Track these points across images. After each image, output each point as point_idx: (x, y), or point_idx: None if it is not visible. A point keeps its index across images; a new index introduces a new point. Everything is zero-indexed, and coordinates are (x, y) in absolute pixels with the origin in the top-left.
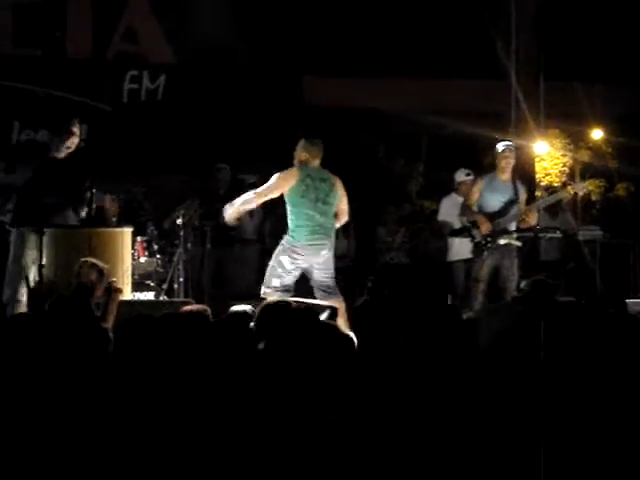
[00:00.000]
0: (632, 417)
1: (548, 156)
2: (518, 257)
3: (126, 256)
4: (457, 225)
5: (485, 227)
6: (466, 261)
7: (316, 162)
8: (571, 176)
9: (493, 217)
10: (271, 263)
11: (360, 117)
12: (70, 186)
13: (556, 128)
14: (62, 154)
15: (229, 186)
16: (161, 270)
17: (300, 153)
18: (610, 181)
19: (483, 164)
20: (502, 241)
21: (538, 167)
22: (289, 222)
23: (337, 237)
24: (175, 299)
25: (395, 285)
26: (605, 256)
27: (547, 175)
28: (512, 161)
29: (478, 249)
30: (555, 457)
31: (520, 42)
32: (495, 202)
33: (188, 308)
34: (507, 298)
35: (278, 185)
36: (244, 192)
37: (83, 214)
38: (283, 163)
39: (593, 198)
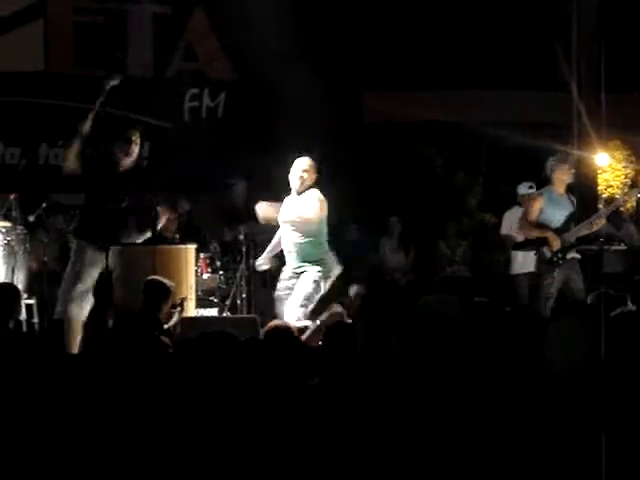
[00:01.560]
0: None
1: (609, 168)
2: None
3: (190, 273)
4: (520, 238)
5: (556, 243)
6: (529, 274)
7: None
8: (633, 188)
9: (558, 232)
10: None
11: (418, 131)
12: (134, 202)
13: (617, 139)
14: (125, 164)
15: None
16: (224, 286)
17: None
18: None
19: (543, 176)
20: (569, 255)
21: (600, 179)
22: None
23: (396, 252)
24: (239, 315)
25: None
26: None
27: (609, 187)
28: (572, 174)
29: (548, 266)
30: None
31: (581, 53)
32: (558, 217)
33: (272, 325)
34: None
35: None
36: None
37: (148, 232)
38: (343, 179)
39: None
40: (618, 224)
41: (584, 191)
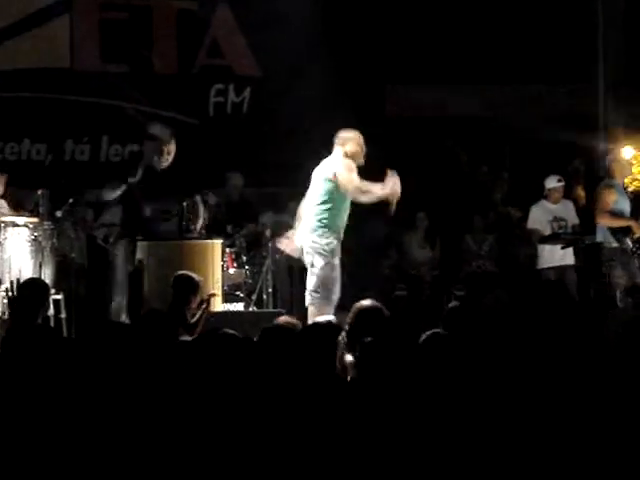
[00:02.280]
0: None
1: (636, 161)
2: None
3: (216, 268)
4: (547, 232)
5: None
6: (556, 268)
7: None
8: None
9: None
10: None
11: (442, 125)
12: (167, 198)
13: None
14: (162, 165)
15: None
16: (250, 281)
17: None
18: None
19: (568, 169)
20: None
21: None
22: None
23: (422, 247)
24: (265, 310)
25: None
26: None
27: (635, 180)
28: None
29: (632, 255)
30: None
31: (608, 44)
32: (627, 209)
33: (281, 321)
34: None
35: None
36: None
37: (194, 226)
38: (367, 173)
39: None
40: None
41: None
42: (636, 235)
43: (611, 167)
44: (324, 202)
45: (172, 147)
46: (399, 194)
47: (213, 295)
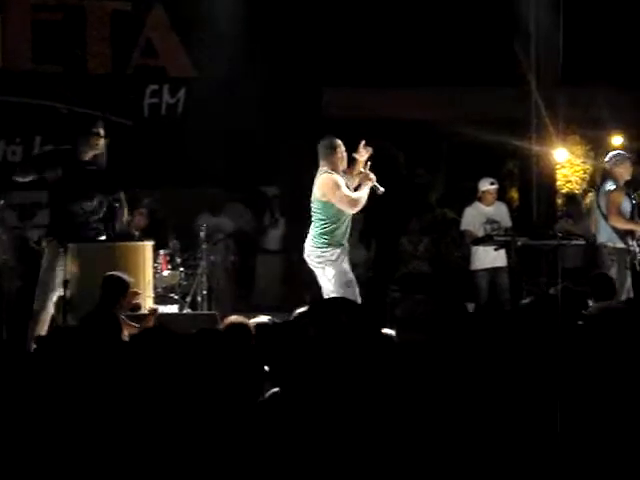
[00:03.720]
0: None
1: (568, 163)
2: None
3: (147, 270)
4: (480, 234)
5: None
6: (489, 270)
7: (321, 163)
8: (591, 183)
9: None
10: None
11: (379, 127)
12: (97, 198)
13: (576, 135)
14: (88, 155)
15: None
16: (184, 283)
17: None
18: (632, 187)
19: (502, 171)
20: None
21: (558, 174)
22: None
23: (357, 248)
24: (199, 312)
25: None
26: None
27: (568, 182)
28: (632, 170)
29: (631, 259)
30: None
31: (540, 48)
32: (630, 211)
33: (230, 320)
34: None
35: None
36: (267, 205)
37: (118, 226)
38: (303, 175)
39: None
40: (577, 219)
41: (543, 186)
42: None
43: (613, 170)
44: (321, 219)
45: (102, 142)
46: (372, 176)
47: (136, 294)
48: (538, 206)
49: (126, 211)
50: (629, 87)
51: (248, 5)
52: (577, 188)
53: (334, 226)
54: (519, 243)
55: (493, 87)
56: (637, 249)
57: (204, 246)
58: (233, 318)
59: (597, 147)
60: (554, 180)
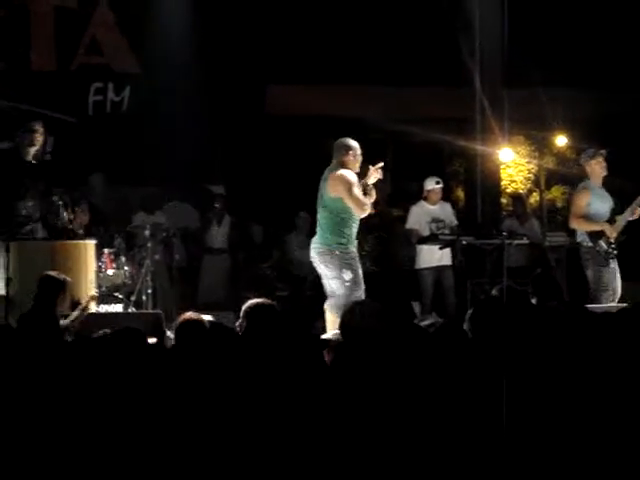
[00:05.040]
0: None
1: (513, 163)
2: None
3: (90, 268)
4: (426, 233)
5: (614, 234)
6: (434, 268)
7: (333, 162)
8: (536, 183)
9: (609, 224)
10: None
11: (324, 125)
12: (39, 196)
13: (521, 135)
14: (29, 155)
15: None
16: (129, 282)
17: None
18: (575, 187)
19: (448, 171)
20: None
21: (503, 174)
22: None
23: (303, 247)
24: (144, 311)
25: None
26: (571, 262)
27: (512, 182)
28: (605, 166)
29: (606, 258)
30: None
31: (484, 48)
32: (605, 209)
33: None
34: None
35: None
36: (214, 203)
37: (59, 223)
38: (247, 172)
39: (559, 204)
40: (522, 219)
41: (488, 186)
42: (610, 238)
43: (586, 168)
44: (340, 216)
45: (40, 138)
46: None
47: (93, 298)
48: (483, 206)
49: (69, 209)
50: (573, 87)
51: (193, 3)
52: (522, 188)
53: (348, 222)
54: (464, 242)
55: (439, 87)
56: (605, 247)
57: (149, 244)
58: (188, 315)
59: (541, 147)
60: (499, 180)
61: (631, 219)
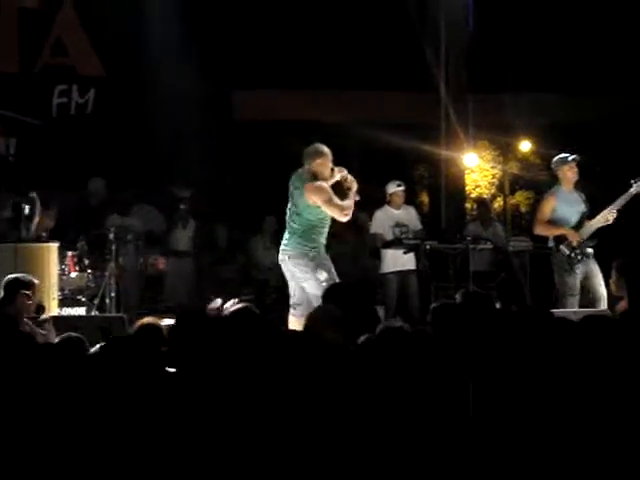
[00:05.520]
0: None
1: (478, 168)
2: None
3: (52, 271)
4: (389, 237)
5: (576, 239)
6: (399, 273)
7: (304, 168)
8: (500, 188)
9: (575, 229)
10: None
11: (289, 130)
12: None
13: (485, 140)
14: None
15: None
16: (92, 285)
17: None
18: (539, 192)
19: (413, 176)
20: (585, 250)
21: (468, 179)
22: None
23: (269, 250)
24: (107, 314)
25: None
26: (534, 267)
27: (477, 187)
28: (577, 172)
29: (569, 263)
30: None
31: (449, 54)
32: (572, 213)
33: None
34: (601, 306)
35: None
36: (179, 206)
37: (30, 227)
38: (214, 177)
39: (522, 209)
40: (486, 223)
41: (452, 190)
42: (573, 243)
43: (557, 173)
44: (309, 221)
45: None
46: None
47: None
48: (447, 210)
49: (37, 212)
50: (537, 92)
51: (159, 7)
52: (486, 192)
53: (321, 228)
54: (428, 246)
55: (404, 92)
56: (566, 252)
57: (113, 247)
58: (145, 320)
59: (506, 152)
60: (463, 185)
61: (602, 225)
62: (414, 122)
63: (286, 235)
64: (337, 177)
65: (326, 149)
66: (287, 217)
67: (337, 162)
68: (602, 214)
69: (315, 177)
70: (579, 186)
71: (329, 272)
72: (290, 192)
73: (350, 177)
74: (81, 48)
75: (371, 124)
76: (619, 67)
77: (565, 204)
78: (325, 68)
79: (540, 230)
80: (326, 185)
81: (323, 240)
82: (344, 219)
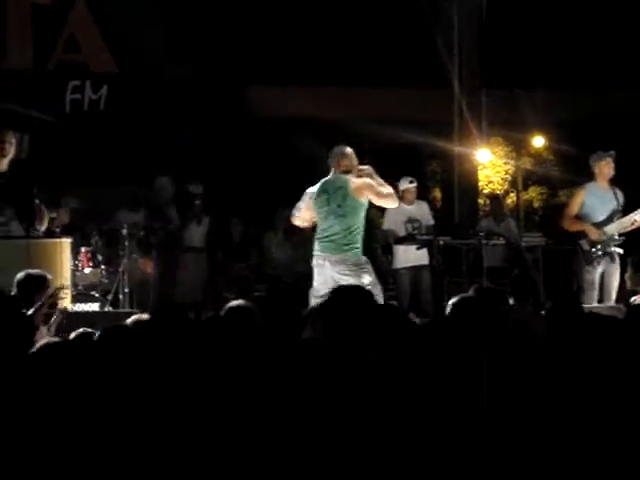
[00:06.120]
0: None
1: (490, 164)
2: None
3: (65, 267)
4: (402, 233)
5: (596, 236)
6: (411, 268)
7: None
8: (513, 184)
9: (600, 225)
10: None
11: (303, 125)
12: (16, 199)
13: (498, 136)
14: (2, 166)
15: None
16: (106, 281)
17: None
18: (552, 188)
19: (426, 171)
20: (609, 248)
21: (481, 175)
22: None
23: (282, 246)
24: (120, 310)
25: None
26: (548, 262)
27: (490, 183)
28: (613, 167)
29: (588, 258)
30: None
31: (463, 50)
32: (601, 210)
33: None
34: (609, 302)
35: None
36: (191, 202)
37: (41, 227)
38: (226, 172)
39: (535, 205)
40: (499, 219)
41: (465, 186)
42: (593, 240)
43: (594, 170)
44: (353, 224)
45: (12, 149)
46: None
47: (61, 289)
48: (460, 206)
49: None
50: (551, 89)
51: (172, 2)
52: (499, 188)
53: (361, 231)
54: (441, 242)
55: (417, 88)
56: (587, 248)
57: (126, 243)
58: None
59: (519, 148)
60: (476, 180)
61: (626, 230)
62: (427, 118)
63: (322, 240)
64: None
65: (348, 149)
66: (322, 223)
67: None
68: (630, 216)
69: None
70: (616, 183)
71: (372, 275)
72: (325, 199)
73: (369, 169)
74: (93, 45)
75: (384, 121)
76: (633, 63)
77: (596, 199)
78: (340, 65)
79: (566, 225)
80: (365, 179)
81: (361, 241)
82: (396, 204)
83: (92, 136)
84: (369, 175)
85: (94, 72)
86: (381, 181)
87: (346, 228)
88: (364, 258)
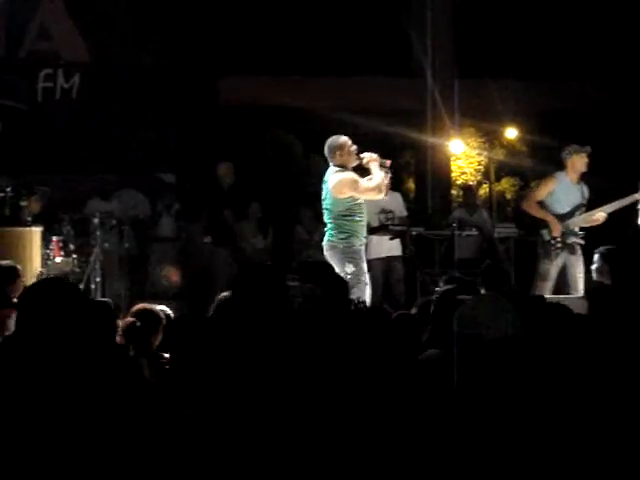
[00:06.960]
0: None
1: (464, 155)
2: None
3: (35, 256)
4: (375, 223)
5: (557, 228)
6: (384, 259)
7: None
8: (486, 175)
9: (563, 218)
10: None
11: (276, 115)
12: None
13: (471, 127)
14: None
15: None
16: (77, 270)
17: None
18: (524, 179)
19: (399, 162)
20: (569, 241)
21: (454, 166)
22: None
23: (255, 236)
24: (92, 299)
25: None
26: (519, 253)
27: (463, 174)
28: (587, 164)
29: (546, 249)
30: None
31: (435, 40)
32: (565, 203)
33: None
34: (577, 294)
35: None
36: (164, 191)
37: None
38: (199, 162)
39: (508, 196)
40: (471, 210)
41: (438, 177)
42: (554, 232)
43: (566, 162)
44: (341, 214)
45: None
46: (373, 155)
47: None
48: (433, 197)
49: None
50: (524, 79)
51: None
52: (472, 179)
53: (351, 218)
54: (414, 233)
55: (390, 77)
56: (546, 238)
57: (97, 232)
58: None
59: (492, 139)
60: (449, 171)
61: (586, 225)
62: (400, 108)
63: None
64: (365, 159)
65: (342, 138)
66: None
67: (322, 148)
68: (593, 212)
69: (343, 168)
70: (585, 179)
71: (357, 267)
72: (324, 189)
73: (370, 155)
74: (66, 33)
75: (357, 110)
76: (606, 54)
77: (563, 192)
78: (311, 53)
79: (527, 206)
80: (349, 174)
81: (355, 230)
82: (381, 196)
83: (64, 124)
84: (374, 160)
85: (66, 61)
86: (377, 170)
87: (331, 219)
88: (355, 248)
